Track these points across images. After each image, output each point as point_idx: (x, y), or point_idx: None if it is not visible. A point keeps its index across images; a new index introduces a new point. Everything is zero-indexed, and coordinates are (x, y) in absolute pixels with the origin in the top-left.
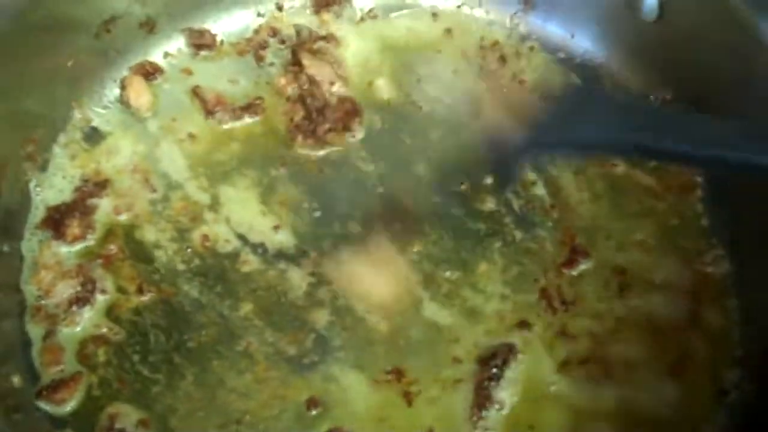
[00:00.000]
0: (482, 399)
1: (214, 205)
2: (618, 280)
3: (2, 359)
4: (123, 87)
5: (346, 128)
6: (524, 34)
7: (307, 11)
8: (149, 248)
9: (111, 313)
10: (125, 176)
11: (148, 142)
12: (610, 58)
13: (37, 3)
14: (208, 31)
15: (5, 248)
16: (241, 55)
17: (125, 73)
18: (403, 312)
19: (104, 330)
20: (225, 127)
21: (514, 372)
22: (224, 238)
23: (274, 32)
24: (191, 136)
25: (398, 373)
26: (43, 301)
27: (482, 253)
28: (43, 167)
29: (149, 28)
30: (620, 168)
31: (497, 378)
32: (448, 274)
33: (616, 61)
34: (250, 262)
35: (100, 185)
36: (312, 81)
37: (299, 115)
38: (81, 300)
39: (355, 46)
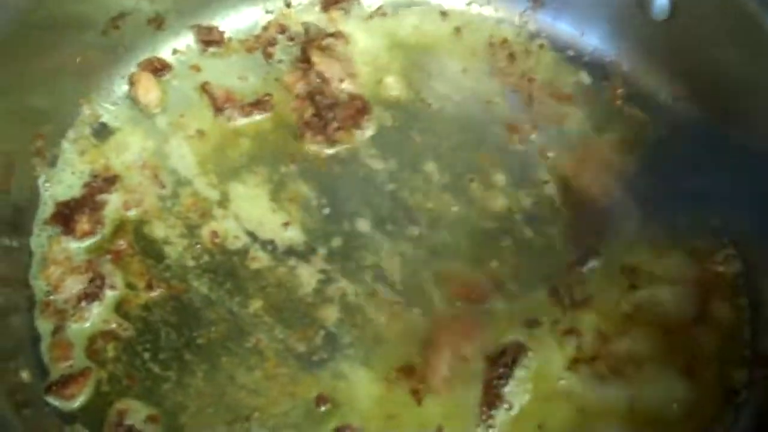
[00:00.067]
0: (492, 397)
1: (224, 201)
2: (628, 278)
3: (11, 354)
4: (131, 83)
5: (356, 126)
6: (533, 32)
7: (316, 8)
8: (159, 244)
9: (120, 308)
10: (134, 172)
11: (157, 138)
12: (620, 56)
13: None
14: (217, 28)
15: (14, 243)
16: (249, 51)
17: (134, 69)
18: (413, 309)
19: (113, 326)
20: (234, 123)
21: (523, 370)
22: (233, 234)
23: (283, 29)
24: (200, 132)
25: (408, 371)
26: (52, 297)
27: (493, 251)
28: (52, 163)
29: (158, 24)
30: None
31: (507, 376)
32: (458, 272)
33: (625, 59)
34: (260, 259)
35: (109, 181)
36: (321, 78)
37: (309, 112)
38: (90, 295)
39: (363, 44)
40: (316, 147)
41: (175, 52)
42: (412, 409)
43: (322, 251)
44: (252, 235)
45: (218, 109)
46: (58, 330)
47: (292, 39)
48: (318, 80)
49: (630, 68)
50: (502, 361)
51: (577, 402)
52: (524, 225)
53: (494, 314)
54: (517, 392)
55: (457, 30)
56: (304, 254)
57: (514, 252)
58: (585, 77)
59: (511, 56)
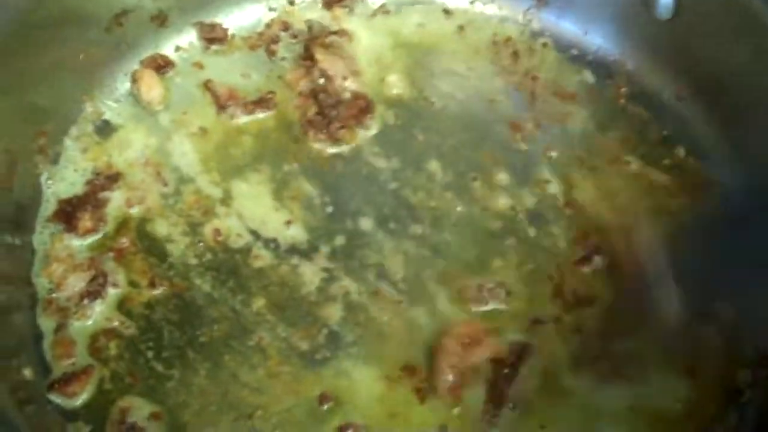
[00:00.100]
0: (496, 397)
1: (226, 199)
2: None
3: (14, 352)
4: (134, 80)
5: (359, 125)
6: (537, 31)
7: (319, 6)
8: (161, 242)
9: (123, 306)
10: (137, 169)
11: (159, 135)
12: (624, 55)
13: None
14: (220, 25)
15: (17, 241)
16: (252, 49)
17: (136, 66)
18: (416, 308)
19: (116, 323)
20: (237, 121)
21: (527, 370)
22: (236, 232)
23: (286, 27)
24: (203, 130)
25: (411, 370)
26: (54, 294)
27: (496, 250)
28: (55, 160)
29: (160, 21)
30: (634, 166)
31: (511, 376)
32: (461, 271)
33: (629, 58)
34: (263, 257)
35: (111, 178)
36: (324, 76)
37: (312, 110)
38: (92, 293)
39: (367, 42)
40: (319, 145)
41: (177, 49)
42: (415, 408)
43: (324, 250)
44: (255, 233)
45: (221, 107)
46: (60, 328)
47: (295, 36)
48: (321, 78)
49: (634, 67)
50: (507, 361)
51: (580, 401)
52: (528, 224)
53: (498, 313)
54: (521, 392)
55: (461, 28)
56: (306, 253)
57: (518, 251)
58: (589, 76)
59: (515, 55)
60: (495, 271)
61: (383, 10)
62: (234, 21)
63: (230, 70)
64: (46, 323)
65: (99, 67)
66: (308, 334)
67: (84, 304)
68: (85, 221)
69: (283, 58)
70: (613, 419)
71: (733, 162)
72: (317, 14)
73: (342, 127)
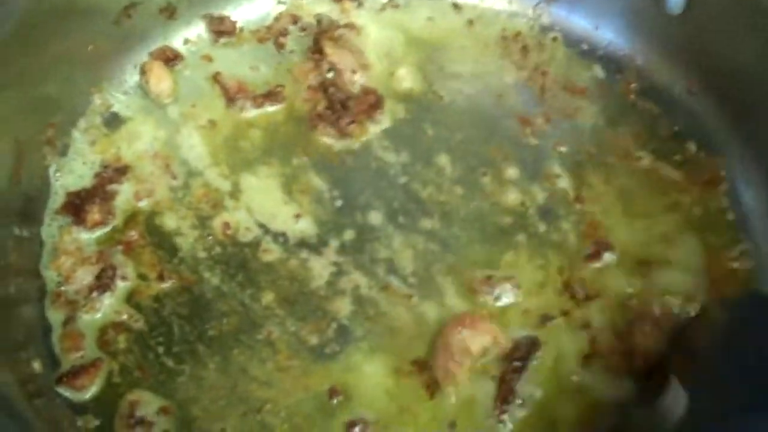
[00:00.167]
0: (505, 392)
1: (235, 192)
2: (641, 273)
3: (23, 345)
4: (143, 72)
5: (369, 119)
6: (547, 25)
7: None
8: (170, 235)
9: (131, 299)
10: (146, 162)
11: (168, 128)
12: (634, 50)
13: None
14: (228, 18)
15: (25, 233)
16: (261, 42)
17: (145, 58)
18: (426, 302)
19: (124, 317)
20: (246, 114)
21: (536, 365)
22: (245, 226)
23: (295, 20)
24: (212, 122)
25: (421, 364)
26: (63, 287)
27: (506, 245)
28: (63, 152)
29: (169, 13)
30: (645, 161)
31: (520, 371)
32: (471, 265)
33: (640, 53)
34: (272, 251)
35: (120, 171)
36: (334, 69)
37: (321, 104)
38: (101, 286)
39: (376, 36)
40: (328, 139)
41: (186, 41)
42: (425, 403)
43: (334, 244)
44: (264, 227)
45: (230, 100)
46: (69, 321)
47: (304, 30)
48: (330, 71)
49: (644, 62)
50: (516, 356)
51: (590, 396)
52: (537, 219)
53: (507, 309)
54: (531, 387)
55: (470, 23)
56: (316, 247)
57: (528, 246)
58: (599, 71)
59: (525, 49)
60: (505, 266)
61: (392, 4)
62: (243, 14)
63: (239, 63)
64: (55, 316)
65: (108, 59)
66: (317, 328)
67: (93, 297)
68: (94, 214)
69: (291, 51)
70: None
71: (745, 157)
72: (326, 7)
73: (352, 122)
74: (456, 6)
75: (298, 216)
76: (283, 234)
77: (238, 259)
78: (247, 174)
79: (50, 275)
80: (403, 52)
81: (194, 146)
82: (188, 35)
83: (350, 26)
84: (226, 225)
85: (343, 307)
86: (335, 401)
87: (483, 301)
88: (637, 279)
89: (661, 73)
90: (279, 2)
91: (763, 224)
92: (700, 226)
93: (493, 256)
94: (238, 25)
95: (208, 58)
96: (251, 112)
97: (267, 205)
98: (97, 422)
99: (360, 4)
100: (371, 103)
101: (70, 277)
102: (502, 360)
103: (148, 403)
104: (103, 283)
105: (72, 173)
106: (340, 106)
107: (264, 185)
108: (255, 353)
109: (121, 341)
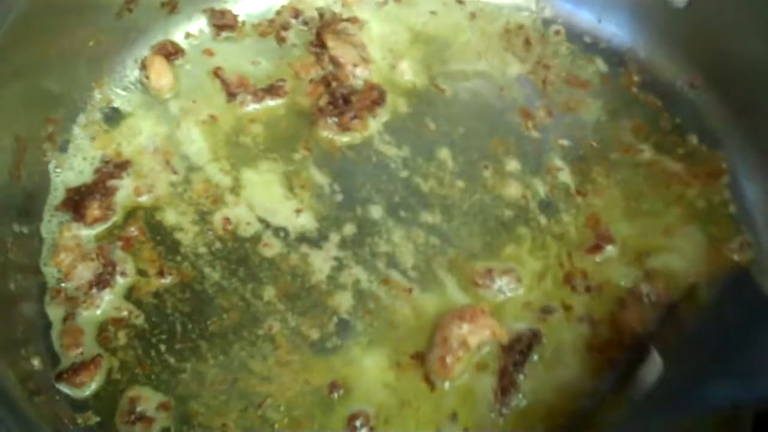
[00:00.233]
0: (506, 384)
1: (236, 187)
2: (642, 265)
3: (22, 341)
4: (144, 67)
5: (371, 114)
6: (549, 19)
7: None
8: (170, 231)
9: (131, 295)
10: (146, 157)
11: (168, 123)
12: (637, 43)
13: None
14: (230, 12)
15: (25, 230)
16: (263, 36)
17: (146, 53)
18: (426, 296)
19: (124, 313)
20: (246, 109)
21: (537, 357)
22: (246, 221)
23: (297, 14)
24: (212, 117)
25: (422, 358)
26: (63, 284)
27: (507, 238)
28: (63, 148)
29: (171, 8)
30: (647, 154)
31: (521, 363)
32: (472, 259)
33: (643, 47)
34: (272, 246)
35: (120, 166)
36: (335, 63)
37: (323, 99)
38: (101, 282)
39: (378, 29)
40: (329, 133)
41: (187, 36)
42: (426, 396)
43: (334, 238)
44: (264, 221)
45: (231, 94)
46: (69, 317)
47: (306, 23)
48: (332, 65)
49: (647, 56)
50: (517, 349)
51: (590, 389)
52: (539, 212)
53: (508, 301)
54: (531, 379)
55: (473, 16)
56: (316, 241)
57: (529, 239)
58: (601, 64)
59: (527, 43)
60: (506, 259)
61: None
62: (244, 7)
63: (240, 58)
64: (55, 312)
65: (109, 54)
66: (318, 322)
67: (92, 294)
68: (94, 210)
69: (293, 45)
70: (625, 407)
71: (746, 150)
72: (328, 1)
73: (355, 118)
74: None
75: (298, 211)
76: (284, 229)
77: (239, 254)
78: (248, 169)
79: (50, 272)
80: (406, 45)
81: (195, 141)
82: (190, 29)
83: (352, 20)
84: (227, 220)
85: (344, 301)
86: (336, 395)
87: (484, 294)
88: (638, 271)
89: (664, 66)
90: None
91: (764, 216)
92: (702, 219)
93: (494, 249)
94: (240, 19)
95: (210, 53)
96: (252, 107)
97: (268, 200)
98: (97, 419)
99: None
100: (374, 98)
101: (70, 273)
102: (503, 352)
103: (148, 399)
104: (103, 279)
105: (72, 169)
106: (343, 101)
107: (265, 180)
108: (256, 348)
109: (121, 337)
